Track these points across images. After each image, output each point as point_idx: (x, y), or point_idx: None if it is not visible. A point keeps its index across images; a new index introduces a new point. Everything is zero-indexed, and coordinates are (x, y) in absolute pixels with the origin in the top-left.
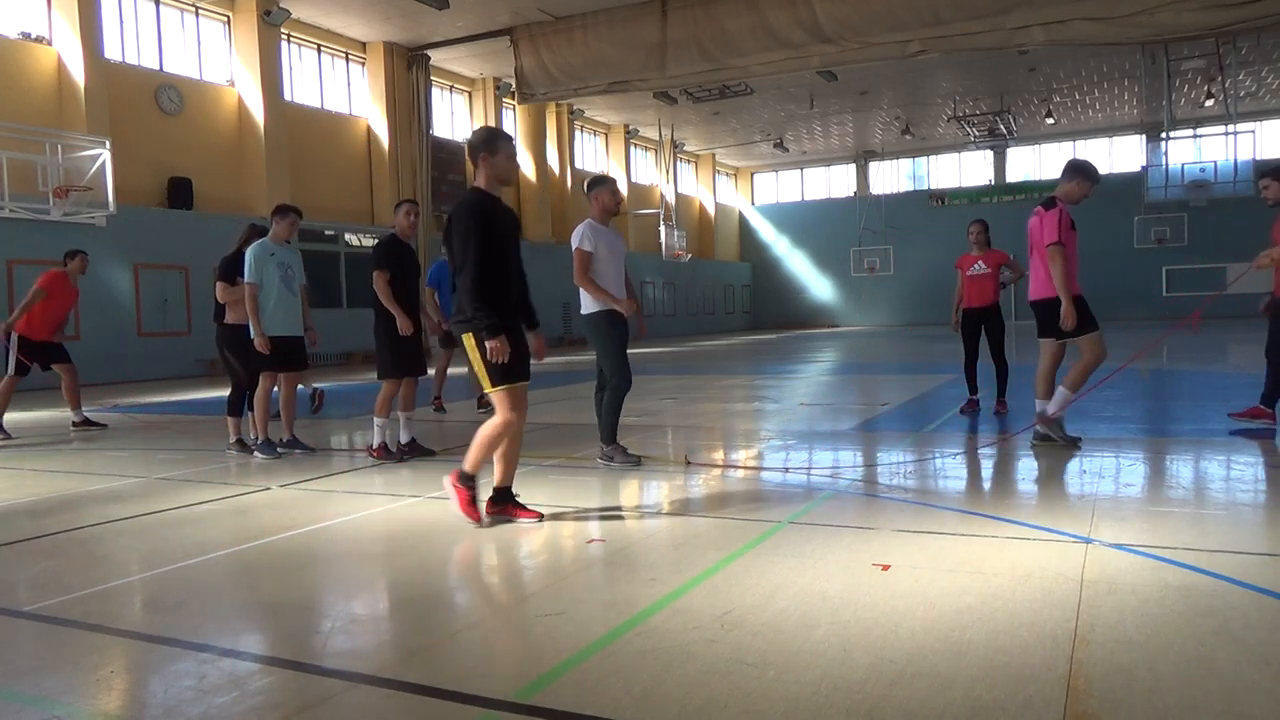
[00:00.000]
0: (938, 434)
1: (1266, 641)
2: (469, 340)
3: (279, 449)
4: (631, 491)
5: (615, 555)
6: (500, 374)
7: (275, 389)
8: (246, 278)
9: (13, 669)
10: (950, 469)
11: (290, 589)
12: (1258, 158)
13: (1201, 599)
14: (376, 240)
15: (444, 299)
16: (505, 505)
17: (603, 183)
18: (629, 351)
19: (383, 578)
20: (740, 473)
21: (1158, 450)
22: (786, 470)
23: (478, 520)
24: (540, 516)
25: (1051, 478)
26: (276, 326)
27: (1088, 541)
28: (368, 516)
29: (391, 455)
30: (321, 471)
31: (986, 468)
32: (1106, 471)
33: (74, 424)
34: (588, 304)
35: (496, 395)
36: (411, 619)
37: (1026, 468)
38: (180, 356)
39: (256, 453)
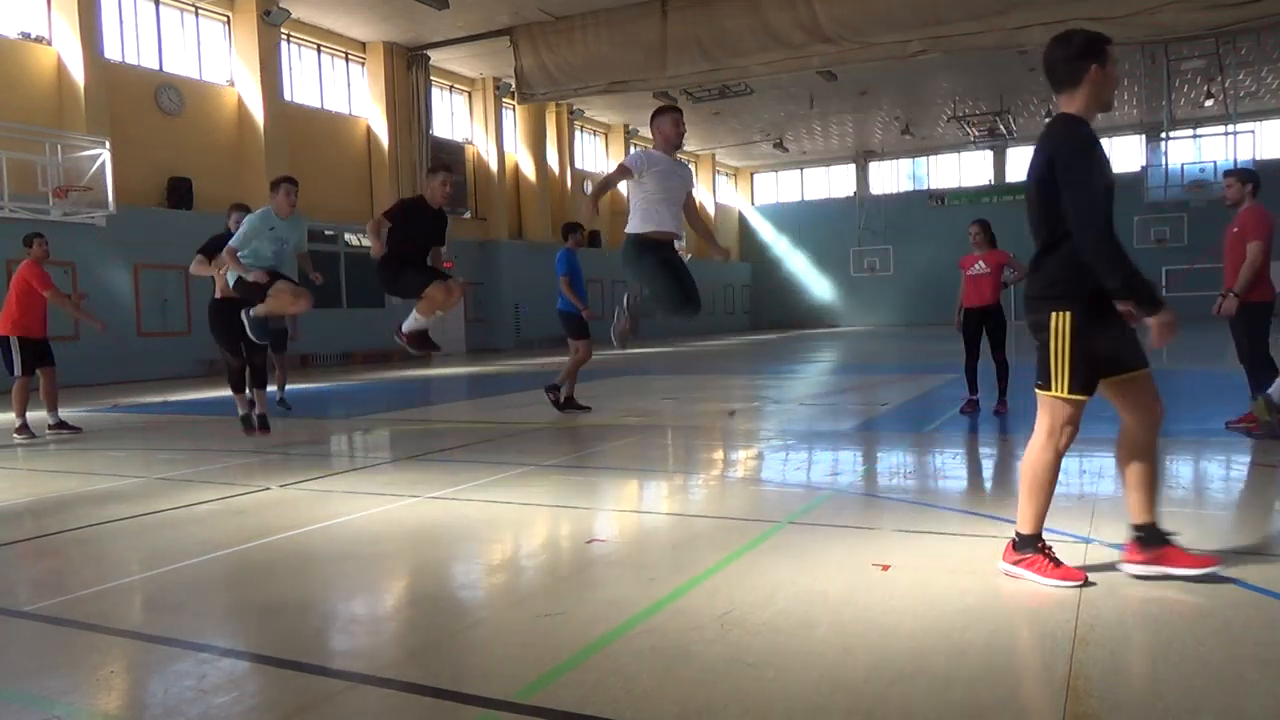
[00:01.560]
0: (938, 434)
1: (1266, 641)
2: (1062, 321)
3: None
4: (631, 491)
5: (615, 555)
6: (1087, 373)
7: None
8: (233, 242)
9: (13, 669)
10: (950, 469)
11: (290, 589)
12: (1258, 158)
13: (1201, 599)
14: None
15: (578, 286)
16: (1161, 548)
17: (666, 112)
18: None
19: (382, 578)
20: (740, 472)
21: (1157, 450)
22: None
23: (1081, 580)
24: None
25: None
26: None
27: (1088, 541)
28: (368, 516)
29: (424, 344)
30: (322, 471)
31: (986, 468)
32: (1106, 471)
33: (50, 426)
34: (631, 223)
35: (1053, 402)
36: (411, 619)
37: None
38: (180, 356)
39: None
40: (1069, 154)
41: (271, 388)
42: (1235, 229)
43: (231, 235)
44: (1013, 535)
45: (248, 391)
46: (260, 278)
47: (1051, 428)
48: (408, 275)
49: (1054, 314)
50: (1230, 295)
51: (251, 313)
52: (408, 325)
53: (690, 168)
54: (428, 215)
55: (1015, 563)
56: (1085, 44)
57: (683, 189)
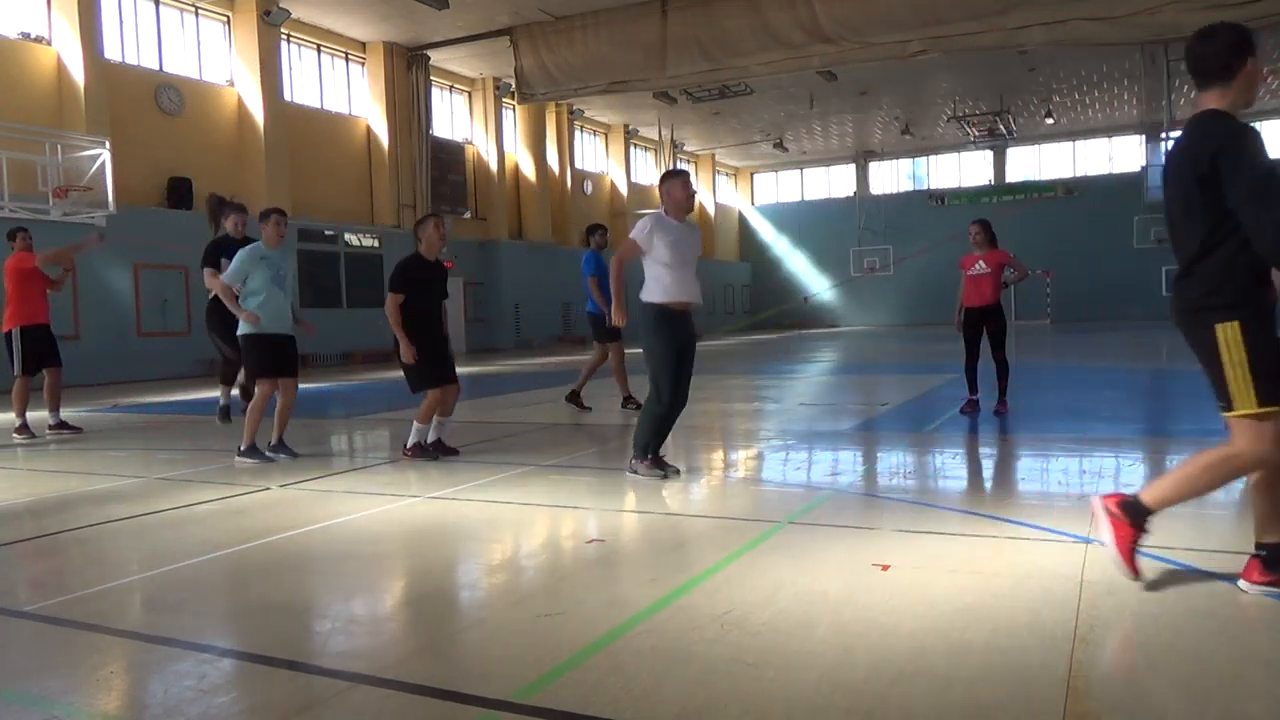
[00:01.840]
0: (938, 434)
1: (1266, 641)
2: (1231, 332)
3: (267, 454)
4: (632, 491)
5: (615, 555)
6: (1274, 378)
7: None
8: (226, 278)
9: (13, 669)
10: (950, 469)
11: (290, 589)
12: None
13: (1201, 599)
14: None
15: (602, 288)
16: None
17: (675, 176)
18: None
19: (382, 578)
20: (740, 472)
21: (1157, 450)
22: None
23: (1134, 574)
24: None
25: (1051, 478)
26: (266, 325)
27: (1088, 541)
28: (367, 516)
29: (425, 452)
30: (321, 471)
31: (986, 468)
32: (1106, 471)
33: (50, 426)
34: (647, 289)
35: (1245, 424)
36: (411, 619)
37: (1027, 468)
38: (180, 356)
39: (240, 458)
40: (1239, 143)
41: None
42: None
43: (229, 239)
44: (1257, 551)
45: (235, 389)
46: (251, 320)
47: (1252, 449)
48: (422, 367)
49: (1219, 326)
50: None
51: (242, 448)
52: (412, 441)
53: (699, 231)
54: (432, 271)
55: (1271, 582)
56: (1238, 38)
57: (694, 253)
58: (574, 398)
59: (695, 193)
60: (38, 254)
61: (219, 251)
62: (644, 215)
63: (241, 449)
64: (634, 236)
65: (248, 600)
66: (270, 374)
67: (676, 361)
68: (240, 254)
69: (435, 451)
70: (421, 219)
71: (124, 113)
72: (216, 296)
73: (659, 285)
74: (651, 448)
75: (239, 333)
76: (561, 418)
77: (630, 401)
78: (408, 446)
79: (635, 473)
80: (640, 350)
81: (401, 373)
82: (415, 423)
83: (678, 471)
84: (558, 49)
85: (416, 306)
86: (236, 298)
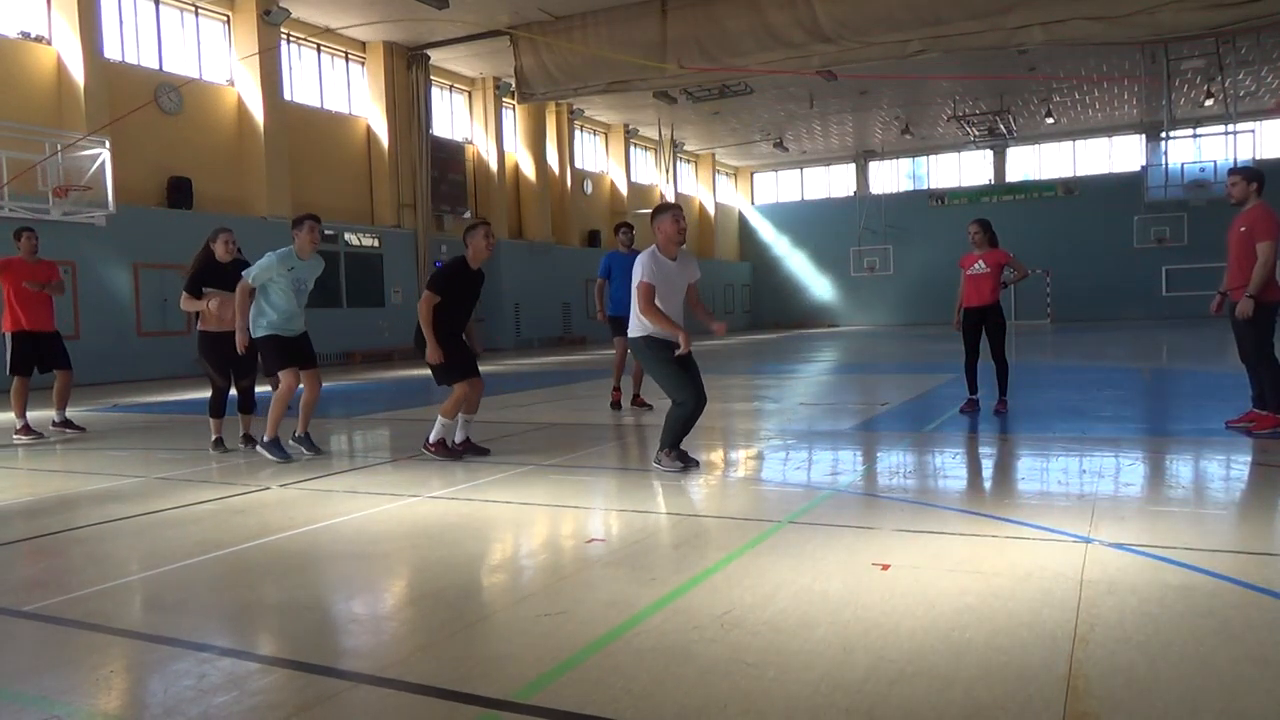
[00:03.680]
0: (938, 434)
1: (1266, 641)
2: None
3: (287, 449)
4: (631, 491)
5: (615, 555)
6: None
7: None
8: (247, 275)
9: (13, 669)
10: (950, 469)
11: (290, 589)
12: (1258, 157)
13: (1201, 599)
14: (439, 261)
15: (615, 289)
16: None
17: (664, 211)
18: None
19: (383, 577)
20: (740, 472)
21: (1158, 450)
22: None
23: None
24: None
25: (1051, 478)
26: (279, 328)
27: (1088, 541)
28: (368, 516)
29: (448, 452)
30: (321, 471)
31: (986, 468)
32: (1106, 471)
33: (54, 424)
34: (632, 326)
35: None
36: (411, 619)
37: (1026, 468)
38: (180, 356)
39: (262, 450)
40: None
41: (266, 388)
42: (1242, 228)
43: (213, 259)
44: None
45: (227, 415)
46: (242, 346)
47: None
48: (446, 362)
49: None
50: (1246, 297)
51: (265, 439)
52: (434, 437)
53: (694, 259)
54: (473, 279)
55: None
56: None
57: (685, 283)
58: (635, 401)
59: (686, 226)
60: (24, 283)
61: (202, 279)
62: (642, 255)
63: (265, 439)
64: (646, 280)
65: (248, 600)
66: (291, 364)
67: (679, 367)
68: (269, 257)
69: (464, 450)
70: (472, 225)
71: (124, 112)
72: (205, 335)
73: (644, 320)
74: (675, 442)
75: (254, 335)
76: (561, 418)
77: (638, 400)
78: (430, 442)
79: (659, 464)
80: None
81: (429, 370)
82: (440, 418)
83: (697, 464)
84: (558, 49)
85: (450, 310)
86: (251, 296)
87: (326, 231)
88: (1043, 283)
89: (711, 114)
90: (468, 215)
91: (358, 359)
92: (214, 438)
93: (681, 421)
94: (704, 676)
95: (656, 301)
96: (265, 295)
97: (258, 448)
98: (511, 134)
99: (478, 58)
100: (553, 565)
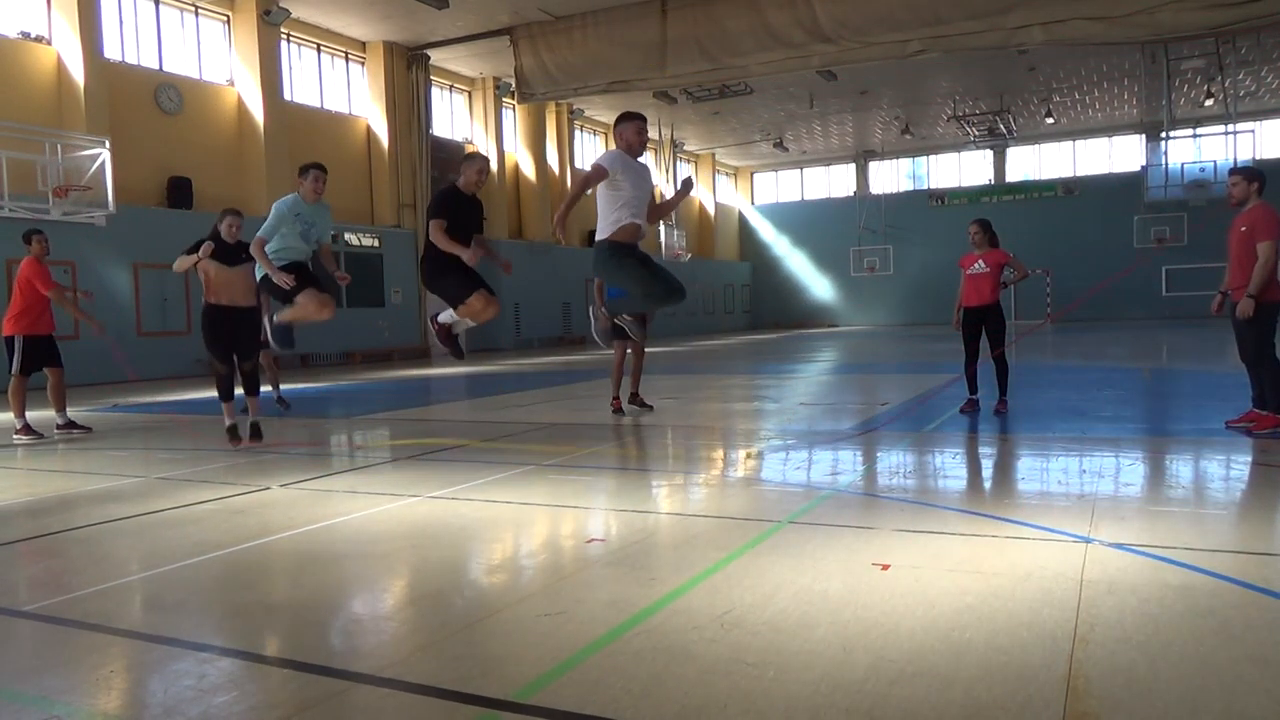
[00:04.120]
0: (938, 434)
1: (1266, 641)
2: None
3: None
4: (631, 491)
5: (615, 555)
6: None
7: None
8: (262, 232)
9: (13, 669)
10: (950, 469)
11: (290, 589)
12: (1258, 157)
13: (1201, 599)
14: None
15: (614, 289)
16: None
17: (630, 119)
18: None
19: (382, 577)
20: (740, 472)
21: (1157, 450)
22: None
23: None
24: None
25: (1051, 478)
26: (284, 259)
27: (1088, 541)
28: (368, 516)
29: (451, 341)
30: (321, 471)
31: (986, 468)
32: (1106, 471)
33: (58, 426)
34: (600, 230)
35: None
36: (411, 619)
37: (1026, 468)
38: (180, 356)
39: (271, 325)
40: None
41: (266, 388)
42: (1243, 228)
43: (218, 237)
44: None
45: (238, 395)
46: (287, 281)
47: None
48: (452, 278)
49: None
50: (1246, 297)
51: (277, 318)
52: (444, 317)
53: (650, 166)
54: (467, 204)
55: None
56: None
57: (649, 190)
58: (633, 400)
59: (647, 140)
60: (50, 290)
61: (200, 247)
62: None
63: (277, 321)
64: (602, 163)
65: (247, 600)
66: (313, 285)
67: (645, 267)
68: (276, 206)
69: (455, 341)
70: (470, 155)
71: (124, 112)
72: (209, 308)
73: (613, 218)
74: (630, 330)
75: (258, 276)
76: (561, 418)
77: (637, 399)
78: (437, 318)
79: (594, 319)
80: (654, 349)
81: (438, 294)
82: (453, 313)
83: (644, 325)
84: (558, 49)
85: (454, 236)
86: (264, 254)
87: None
88: (1042, 283)
89: (711, 114)
90: None
91: (358, 359)
92: (228, 424)
93: (655, 299)
94: (704, 676)
95: (627, 201)
96: (280, 240)
97: (270, 321)
98: (511, 134)
99: (478, 58)
100: (553, 565)
